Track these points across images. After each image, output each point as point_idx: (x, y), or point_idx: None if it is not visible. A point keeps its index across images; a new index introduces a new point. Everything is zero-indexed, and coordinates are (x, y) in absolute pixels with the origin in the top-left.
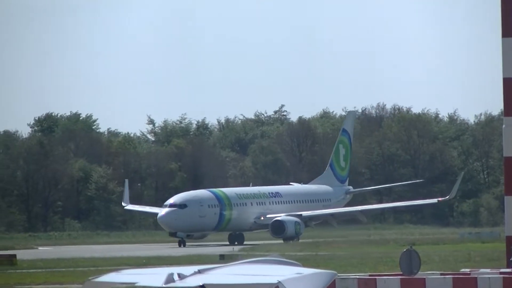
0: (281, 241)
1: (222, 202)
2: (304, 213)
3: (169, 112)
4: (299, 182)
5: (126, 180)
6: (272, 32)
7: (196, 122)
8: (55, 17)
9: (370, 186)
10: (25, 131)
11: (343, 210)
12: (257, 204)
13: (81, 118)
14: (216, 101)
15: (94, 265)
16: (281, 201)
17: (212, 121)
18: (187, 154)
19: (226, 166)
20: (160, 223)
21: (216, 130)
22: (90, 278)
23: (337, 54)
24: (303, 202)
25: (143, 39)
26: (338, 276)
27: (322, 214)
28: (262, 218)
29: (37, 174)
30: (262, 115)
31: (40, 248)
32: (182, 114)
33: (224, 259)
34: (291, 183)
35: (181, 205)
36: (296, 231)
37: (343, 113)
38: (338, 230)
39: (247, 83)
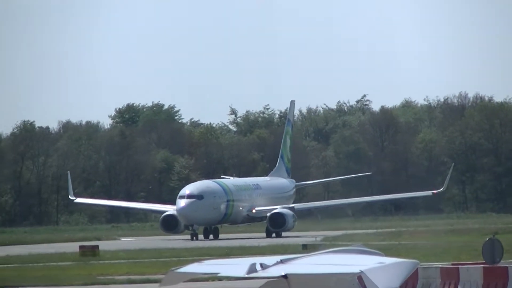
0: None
1: (227, 193)
2: (297, 205)
3: (251, 103)
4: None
5: (68, 173)
6: (353, 23)
7: (278, 113)
8: (133, 9)
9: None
10: (106, 122)
11: (332, 203)
12: (248, 197)
13: (163, 109)
14: (299, 92)
15: (176, 256)
16: (261, 194)
17: (294, 111)
18: (269, 144)
19: (308, 156)
20: (180, 215)
21: (298, 120)
22: (172, 268)
23: (419, 43)
24: (274, 194)
25: (226, 30)
26: (421, 265)
27: (314, 206)
28: (253, 211)
29: (119, 165)
30: (345, 105)
31: (122, 239)
32: (265, 105)
33: (306, 249)
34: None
35: (199, 196)
36: (293, 224)
37: (425, 103)
38: (420, 220)
39: (330, 73)
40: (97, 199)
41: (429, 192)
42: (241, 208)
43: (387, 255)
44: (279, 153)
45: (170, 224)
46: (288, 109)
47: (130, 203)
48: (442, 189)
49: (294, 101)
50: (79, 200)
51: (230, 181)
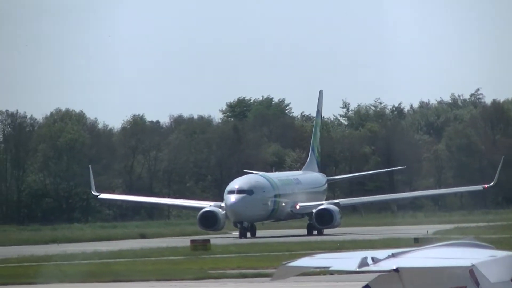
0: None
1: (274, 188)
2: (342, 200)
3: (363, 96)
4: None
5: (90, 167)
6: (466, 16)
7: (391, 106)
8: (246, 4)
9: None
10: (217, 116)
11: (377, 199)
12: (290, 191)
13: (273, 103)
14: (411, 85)
15: (288, 250)
16: (301, 189)
17: (407, 105)
18: (380, 138)
19: (419, 150)
20: (231, 211)
21: (410, 113)
22: (284, 262)
23: None
24: (312, 189)
25: (335, 24)
26: None
27: (359, 202)
28: (297, 206)
29: (231, 159)
30: (459, 98)
31: (233, 233)
32: (376, 99)
33: (418, 242)
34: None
35: (249, 191)
36: (340, 222)
37: None
38: None
39: (444, 66)
40: (122, 195)
41: (479, 187)
42: (283, 204)
43: (499, 249)
44: (310, 146)
45: (208, 221)
46: (318, 100)
47: (162, 199)
48: (492, 183)
49: (323, 91)
50: (103, 196)
51: (275, 175)
